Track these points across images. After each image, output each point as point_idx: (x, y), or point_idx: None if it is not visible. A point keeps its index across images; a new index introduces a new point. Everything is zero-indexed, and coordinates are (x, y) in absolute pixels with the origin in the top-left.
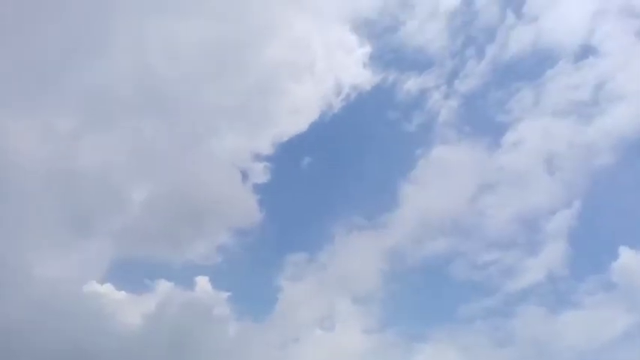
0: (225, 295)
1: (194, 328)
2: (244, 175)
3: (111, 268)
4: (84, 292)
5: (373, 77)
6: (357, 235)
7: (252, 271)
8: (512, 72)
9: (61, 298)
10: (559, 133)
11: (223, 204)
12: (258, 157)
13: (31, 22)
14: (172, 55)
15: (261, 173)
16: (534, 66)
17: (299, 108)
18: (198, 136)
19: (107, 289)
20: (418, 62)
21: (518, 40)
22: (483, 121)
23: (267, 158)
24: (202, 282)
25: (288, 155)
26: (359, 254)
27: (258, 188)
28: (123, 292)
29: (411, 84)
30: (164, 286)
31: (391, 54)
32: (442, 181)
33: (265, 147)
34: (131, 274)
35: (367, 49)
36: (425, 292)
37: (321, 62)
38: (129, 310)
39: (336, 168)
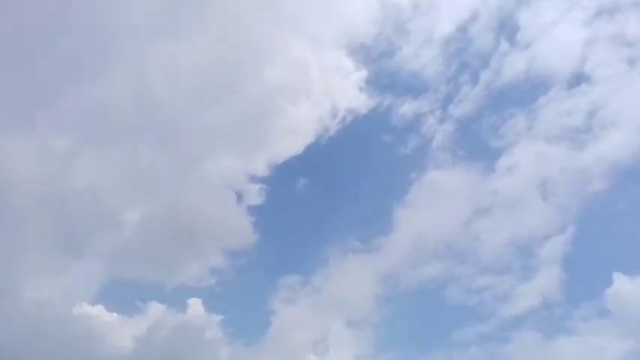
0: (217, 318)
1: (185, 351)
2: (239, 197)
3: (102, 289)
4: (74, 313)
5: (369, 101)
6: (351, 258)
7: (246, 294)
8: (505, 98)
9: (51, 319)
10: (553, 158)
11: (217, 225)
12: (253, 179)
13: (30, 43)
14: (170, 76)
15: (256, 195)
16: (528, 92)
17: (295, 130)
18: (193, 157)
19: (98, 310)
20: (413, 87)
21: (512, 66)
22: (477, 146)
23: (263, 180)
24: (195, 304)
25: (284, 177)
26: (353, 277)
27: (252, 210)
28: (114, 314)
29: (406, 108)
30: (156, 308)
31: (387, 78)
32: (436, 205)
33: (260, 169)
34: (123, 295)
35: (363, 73)
36: (419, 317)
37: (317, 86)
38: (120, 332)
39: (331, 190)
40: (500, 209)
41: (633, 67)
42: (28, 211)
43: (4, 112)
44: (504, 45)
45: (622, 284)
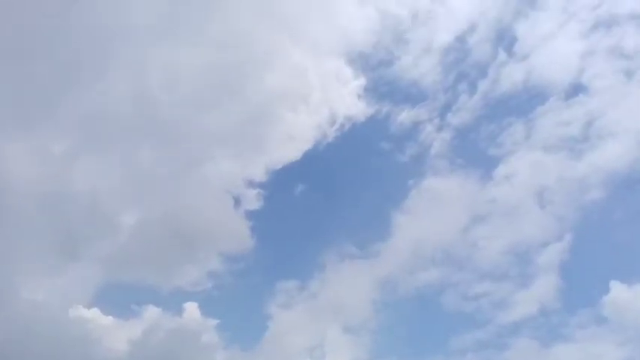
0: (214, 322)
1: (181, 355)
2: (237, 201)
3: (98, 292)
4: (70, 316)
5: (367, 109)
6: (348, 263)
7: (243, 298)
8: (503, 107)
9: (47, 321)
10: (550, 167)
11: (215, 229)
12: (251, 184)
13: (30, 45)
14: (170, 80)
15: (253, 200)
16: (525, 102)
17: (293, 136)
18: (192, 161)
19: (94, 313)
20: (412, 95)
21: (510, 77)
22: (475, 154)
23: (261, 185)
24: (191, 308)
25: (282, 183)
26: (350, 283)
27: (250, 215)
28: (110, 317)
29: (405, 116)
30: (152, 311)
31: (385, 87)
32: (434, 212)
33: (259, 174)
34: (119, 299)
35: (362, 81)
36: (416, 323)
37: (316, 93)
38: (115, 335)
39: (328, 197)
40: (498, 217)
41: (630, 79)
42: (25, 213)
43: (3, 115)
44: (502, 56)
45: (619, 292)
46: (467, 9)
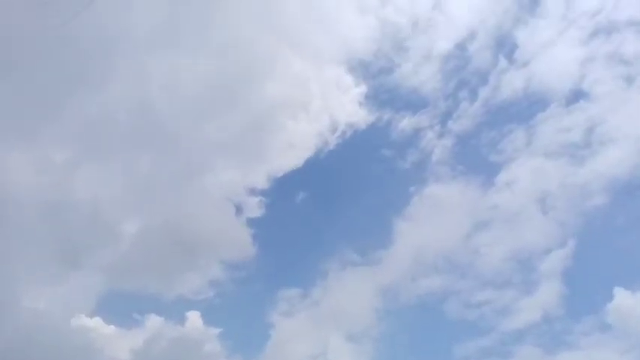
0: (216, 331)
1: None
2: (238, 209)
3: (100, 301)
4: (72, 325)
5: (368, 116)
6: (350, 271)
7: (245, 307)
8: (504, 114)
9: (49, 330)
10: (552, 173)
11: (216, 238)
12: (252, 192)
13: (31, 55)
14: (171, 89)
15: (255, 207)
16: (526, 109)
17: (295, 144)
18: (193, 169)
19: (96, 322)
20: (412, 103)
21: (510, 83)
22: (476, 161)
23: (262, 193)
24: (193, 317)
25: (283, 190)
26: (353, 291)
27: (252, 222)
28: (112, 327)
29: (406, 123)
30: (154, 320)
31: (386, 94)
32: (436, 219)
33: (260, 182)
34: (121, 307)
35: (363, 89)
36: (419, 331)
37: (317, 100)
38: (118, 344)
39: (330, 204)
40: (500, 223)
41: (630, 85)
42: (27, 222)
43: (4, 123)
44: (503, 63)
45: (623, 299)
46: (466, 17)
